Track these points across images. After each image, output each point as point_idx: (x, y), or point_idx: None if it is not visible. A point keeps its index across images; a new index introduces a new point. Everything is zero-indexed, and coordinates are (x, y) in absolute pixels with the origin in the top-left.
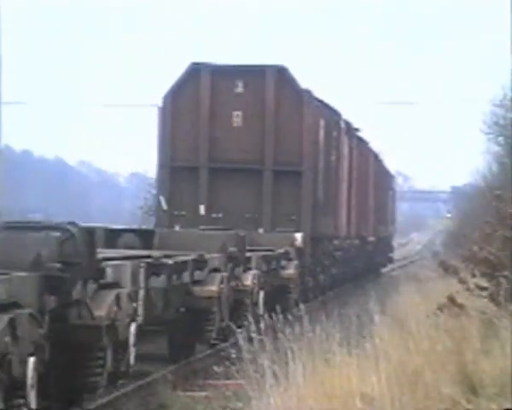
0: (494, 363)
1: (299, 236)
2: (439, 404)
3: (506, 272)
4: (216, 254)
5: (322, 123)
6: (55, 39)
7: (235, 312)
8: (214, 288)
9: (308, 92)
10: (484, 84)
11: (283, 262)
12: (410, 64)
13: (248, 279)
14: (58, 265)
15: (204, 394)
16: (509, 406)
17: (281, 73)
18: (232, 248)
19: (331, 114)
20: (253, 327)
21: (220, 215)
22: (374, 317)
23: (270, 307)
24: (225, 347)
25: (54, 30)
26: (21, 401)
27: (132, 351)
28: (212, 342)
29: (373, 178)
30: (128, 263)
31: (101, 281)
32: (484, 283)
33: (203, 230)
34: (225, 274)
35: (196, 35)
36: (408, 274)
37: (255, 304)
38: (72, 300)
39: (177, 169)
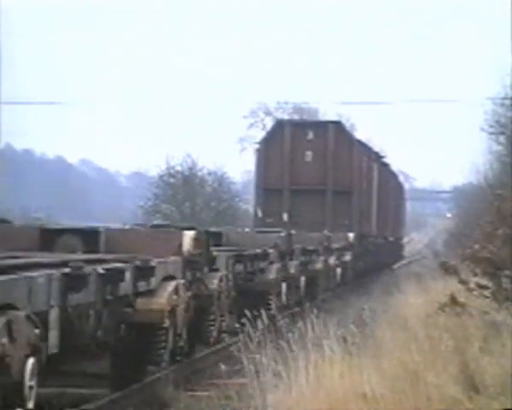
0: (496, 362)
1: (351, 235)
2: (440, 403)
3: (507, 271)
4: (319, 247)
5: (365, 159)
6: (55, 38)
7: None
8: (319, 265)
9: (356, 138)
10: (485, 83)
11: (343, 252)
12: (410, 63)
13: (332, 260)
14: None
15: (206, 393)
16: (510, 405)
17: (338, 126)
18: (325, 242)
19: (368, 151)
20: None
21: (297, 221)
22: (376, 316)
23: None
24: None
25: (54, 29)
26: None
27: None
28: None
29: (391, 191)
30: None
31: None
32: (485, 282)
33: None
34: (323, 258)
35: (196, 35)
36: (410, 272)
37: (333, 277)
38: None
39: (268, 190)
